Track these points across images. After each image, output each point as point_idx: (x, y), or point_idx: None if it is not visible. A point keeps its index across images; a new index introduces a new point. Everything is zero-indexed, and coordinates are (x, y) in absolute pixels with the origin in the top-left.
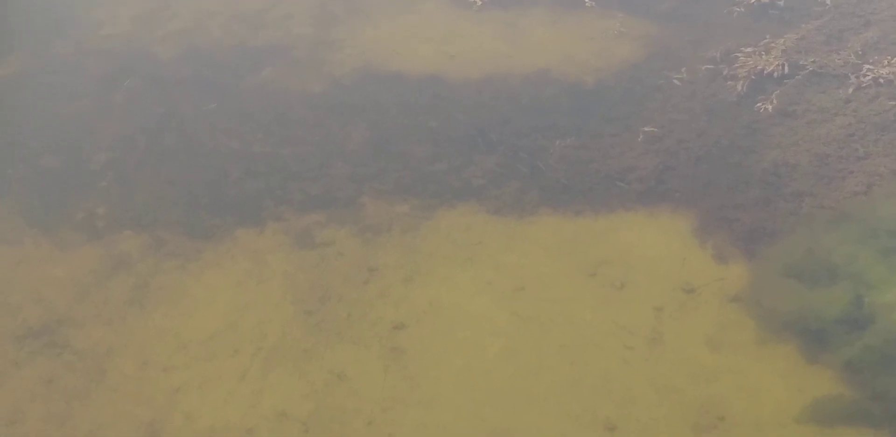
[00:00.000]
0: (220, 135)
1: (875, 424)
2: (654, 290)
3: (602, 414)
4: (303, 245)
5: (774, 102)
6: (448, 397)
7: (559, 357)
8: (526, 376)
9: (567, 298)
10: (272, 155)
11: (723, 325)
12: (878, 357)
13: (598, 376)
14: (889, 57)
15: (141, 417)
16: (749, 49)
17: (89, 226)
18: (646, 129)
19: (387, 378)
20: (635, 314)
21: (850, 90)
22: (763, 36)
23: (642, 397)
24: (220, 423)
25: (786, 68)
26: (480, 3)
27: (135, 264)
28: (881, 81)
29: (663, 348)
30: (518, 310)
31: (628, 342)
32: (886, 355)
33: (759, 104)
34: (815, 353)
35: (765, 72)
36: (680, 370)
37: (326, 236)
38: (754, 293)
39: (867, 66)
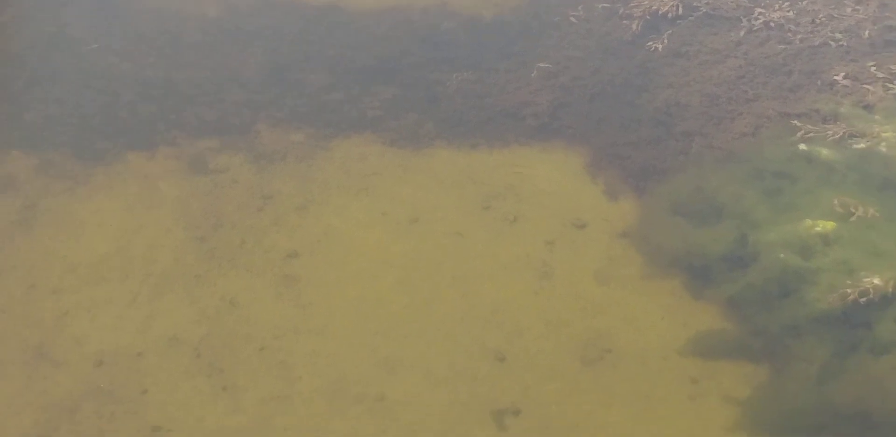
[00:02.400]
0: (111, 56)
1: (755, 358)
2: (546, 224)
3: (492, 345)
4: (196, 171)
5: (666, 41)
6: (340, 326)
7: (451, 289)
8: (418, 307)
9: (461, 231)
10: (166, 79)
11: (611, 260)
12: (759, 295)
13: (489, 308)
14: (781, 1)
15: (29, 339)
16: None
17: None
18: (541, 65)
19: (279, 306)
20: (527, 248)
21: (742, 33)
22: None
23: (531, 329)
24: (110, 347)
25: (680, 9)
26: None
27: (22, 185)
28: (772, 24)
29: (553, 282)
30: (412, 242)
31: (519, 276)
32: (767, 293)
33: (650, 43)
34: (700, 289)
35: (659, 12)
36: (569, 303)
37: (220, 163)
38: (642, 230)
39: (759, 10)
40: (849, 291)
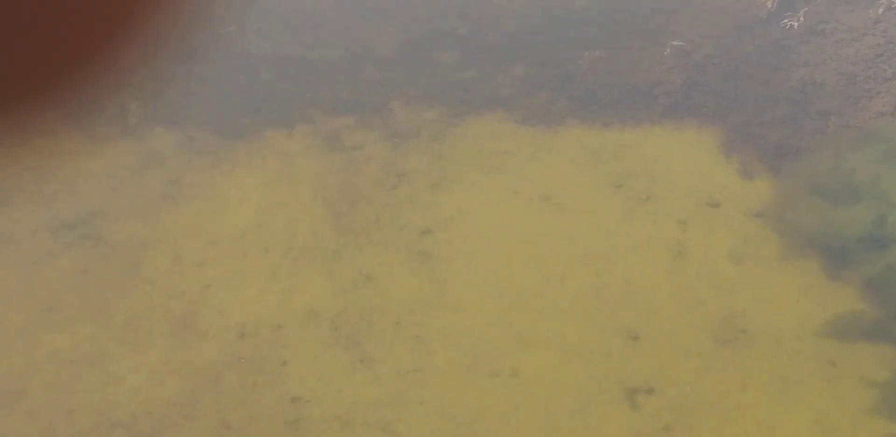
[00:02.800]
0: (249, 36)
1: (895, 341)
2: (679, 203)
3: (625, 323)
4: (332, 148)
5: (801, 19)
6: (474, 301)
7: (584, 267)
8: (551, 283)
9: (593, 208)
10: (302, 58)
11: (746, 239)
12: None
13: (622, 286)
14: None
15: (174, 309)
16: None
17: (122, 121)
18: (674, 43)
19: (414, 281)
20: (660, 227)
21: (880, 11)
22: None
23: (665, 307)
24: (251, 318)
25: None
26: None
27: (167, 160)
28: None
29: (686, 261)
30: (544, 219)
31: (652, 254)
32: None
33: (785, 21)
34: (837, 270)
35: None
36: (703, 282)
37: (356, 140)
38: (778, 209)
39: None
40: None
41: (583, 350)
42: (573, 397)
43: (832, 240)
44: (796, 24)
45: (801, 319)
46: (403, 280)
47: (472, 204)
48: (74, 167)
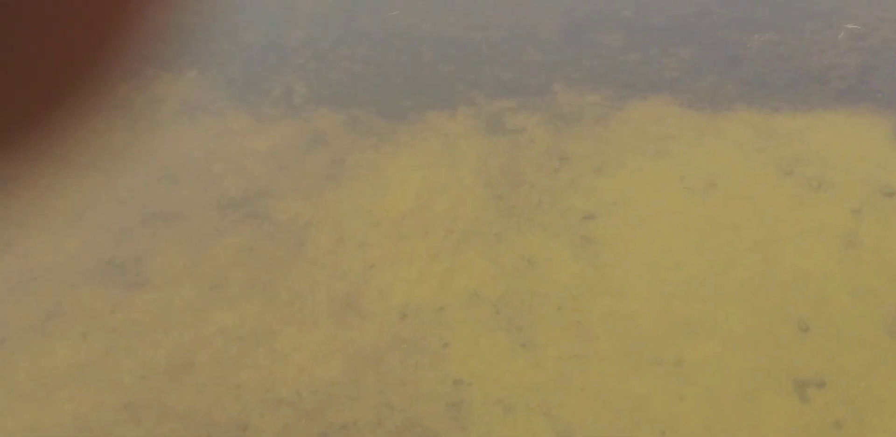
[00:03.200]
0: (413, 17)
1: None
2: (852, 191)
3: (794, 313)
4: (494, 130)
5: None
6: (637, 288)
7: (751, 254)
8: (716, 271)
9: (761, 195)
10: (464, 39)
11: None
12: None
13: (791, 275)
14: None
15: (337, 289)
16: None
17: (287, 102)
18: (849, 26)
19: (576, 266)
20: (831, 215)
21: None
22: None
23: (836, 297)
24: (413, 300)
25: None
26: None
27: (331, 140)
28: None
29: (860, 251)
30: (710, 205)
31: (823, 243)
32: None
33: None
34: None
35: None
36: (877, 272)
37: (518, 123)
38: None
39: None
40: None
41: (750, 340)
42: (739, 388)
43: None
44: None
45: None
46: (565, 265)
47: (636, 189)
48: (241, 147)
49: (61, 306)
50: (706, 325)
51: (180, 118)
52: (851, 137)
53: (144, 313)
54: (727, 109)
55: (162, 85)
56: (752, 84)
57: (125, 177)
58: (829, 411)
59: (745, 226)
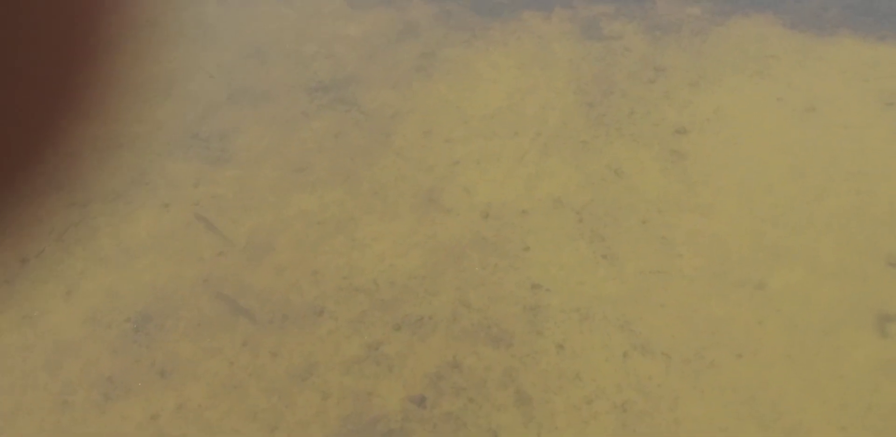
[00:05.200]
0: None
1: None
2: None
3: (885, 248)
4: (589, 36)
5: None
6: (726, 207)
7: (846, 184)
8: (809, 198)
9: (860, 125)
10: None
11: None
12: None
13: (886, 209)
14: None
15: (421, 183)
16: None
17: None
18: None
19: (664, 180)
20: None
21: None
22: None
23: None
24: (497, 200)
25: None
26: None
27: (423, 32)
28: None
29: None
30: (807, 130)
31: None
32: None
33: None
34: None
35: None
36: None
37: (614, 29)
38: None
39: None
40: None
41: (836, 271)
42: (821, 318)
43: None
44: None
45: None
46: (653, 178)
47: (732, 107)
48: (332, 30)
49: (145, 175)
50: (793, 252)
51: (267, 2)
52: None
53: (227, 189)
54: (831, 33)
55: None
56: (858, 10)
57: (215, 51)
58: None
59: (841, 155)
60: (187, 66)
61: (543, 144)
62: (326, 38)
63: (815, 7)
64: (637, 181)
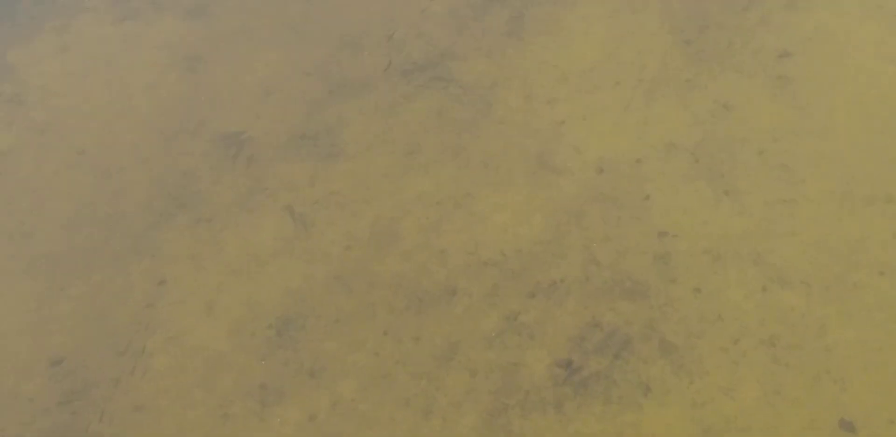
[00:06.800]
0: None
1: None
2: None
3: None
4: None
5: None
6: (842, 126)
7: None
8: None
9: None
10: None
11: None
12: None
13: None
14: None
15: (530, 148)
16: None
17: None
18: None
19: (774, 108)
20: None
21: None
22: None
23: None
24: (609, 154)
25: None
26: None
27: None
28: None
29: None
30: None
31: None
32: None
33: None
34: None
35: None
36: None
37: None
38: None
39: None
40: None
41: None
42: None
43: None
44: None
45: None
46: (763, 107)
47: (832, 22)
48: (419, 10)
49: (262, 181)
50: None
51: None
52: None
53: (343, 183)
54: None
55: None
56: None
57: (307, 48)
58: None
59: None
60: (282, 67)
61: (646, 89)
62: (413, 18)
63: None
64: (747, 113)
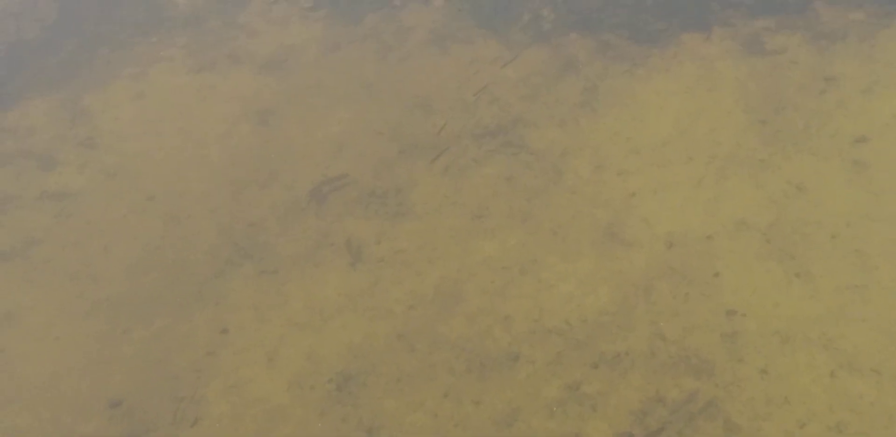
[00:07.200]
0: None
1: None
2: None
3: None
4: (752, 52)
5: None
6: None
7: None
8: None
9: None
10: None
11: None
12: None
13: None
14: None
15: (599, 218)
16: None
17: (536, 28)
18: None
19: (849, 192)
20: None
21: None
22: None
23: None
24: (680, 228)
25: None
26: None
27: (582, 67)
28: None
29: None
30: None
31: None
32: None
33: None
34: None
35: None
36: None
37: (777, 43)
38: None
39: None
40: None
41: None
42: None
43: None
44: None
45: None
46: (837, 191)
47: None
48: (492, 75)
49: (328, 237)
50: None
51: (430, 47)
52: None
53: (409, 242)
54: None
55: (410, 14)
56: None
57: (380, 108)
58: None
59: None
60: (355, 125)
61: (719, 166)
62: (487, 82)
63: None
64: (821, 195)
